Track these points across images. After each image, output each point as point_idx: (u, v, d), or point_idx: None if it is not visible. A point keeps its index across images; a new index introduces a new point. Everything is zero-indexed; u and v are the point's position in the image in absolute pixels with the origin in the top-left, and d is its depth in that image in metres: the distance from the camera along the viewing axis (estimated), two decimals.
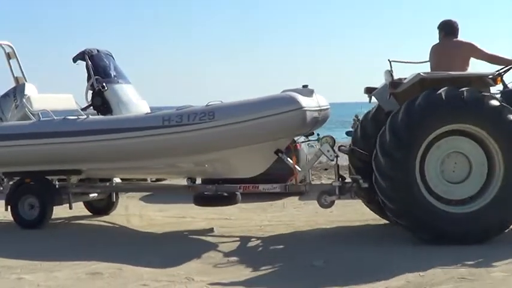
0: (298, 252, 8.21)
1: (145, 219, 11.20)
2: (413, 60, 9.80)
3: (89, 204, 11.63)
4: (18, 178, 10.97)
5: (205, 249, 8.64)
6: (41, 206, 10.27)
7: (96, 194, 11.36)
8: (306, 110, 9.08)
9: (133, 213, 11.59)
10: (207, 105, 9.57)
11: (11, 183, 11.02)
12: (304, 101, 9.13)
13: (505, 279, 6.57)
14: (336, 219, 10.07)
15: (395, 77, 8.86)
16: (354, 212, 10.50)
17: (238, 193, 10.04)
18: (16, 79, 11.86)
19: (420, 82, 8.44)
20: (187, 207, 11.15)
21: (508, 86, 9.06)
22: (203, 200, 10.09)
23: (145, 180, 12.58)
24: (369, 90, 9.19)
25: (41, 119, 10.74)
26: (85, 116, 10.42)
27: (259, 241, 9.17)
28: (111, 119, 10.35)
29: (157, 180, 13.18)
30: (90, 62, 10.76)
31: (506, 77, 9.07)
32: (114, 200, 11.60)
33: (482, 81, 8.69)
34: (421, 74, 8.41)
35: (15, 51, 11.88)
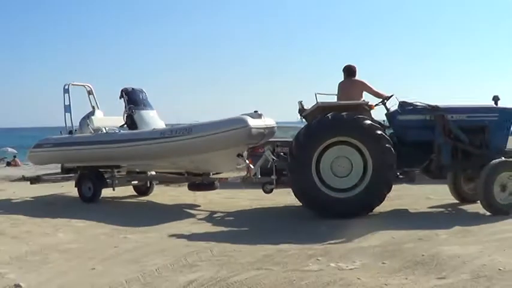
0: (311, 221, 10.87)
1: (207, 198, 14.25)
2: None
3: (135, 188, 16.07)
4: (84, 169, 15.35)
5: (247, 220, 11.42)
6: (93, 188, 14.64)
7: (136, 182, 15.75)
8: (252, 127, 12.43)
9: (199, 194, 14.77)
10: (189, 124, 13.33)
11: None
12: (251, 121, 12.50)
13: (448, 239, 9.00)
14: None
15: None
16: None
17: (216, 182, 13.85)
18: (93, 107, 16.42)
19: (319, 109, 11.70)
20: (236, 191, 14.45)
21: (390, 109, 12.24)
22: (194, 186, 14.11)
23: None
24: (301, 112, 12.31)
25: (96, 133, 15.10)
26: (117, 131, 14.82)
27: (284, 215, 11.96)
28: (131, 133, 14.48)
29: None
30: (126, 96, 15.10)
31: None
32: (149, 185, 15.94)
33: (362, 108, 11.78)
34: (319, 103, 11.70)
35: (93, 90, 16.49)
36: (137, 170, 15.54)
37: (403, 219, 11.03)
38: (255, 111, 12.93)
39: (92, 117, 15.83)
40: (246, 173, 13.16)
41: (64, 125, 15.93)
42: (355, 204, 11.19)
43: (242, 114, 12.83)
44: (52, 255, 8.60)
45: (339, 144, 11.44)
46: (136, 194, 16.02)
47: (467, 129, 11.85)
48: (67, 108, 16.01)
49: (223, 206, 13.27)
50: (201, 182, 14.01)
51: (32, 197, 15.90)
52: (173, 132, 13.44)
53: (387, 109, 12.36)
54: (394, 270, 7.27)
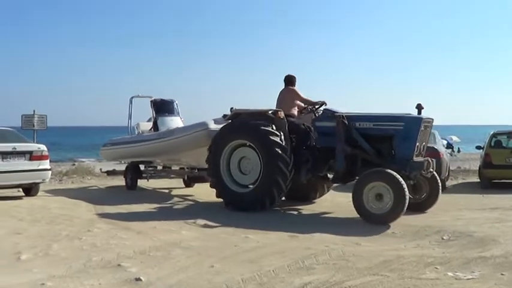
0: (433, 228, 10.64)
1: (333, 203, 14.70)
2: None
3: (184, 182, 19.37)
4: (128, 163, 18.98)
5: (367, 225, 11.34)
6: (131, 179, 18.35)
7: (172, 175, 19.25)
8: (212, 130, 14.63)
9: (325, 198, 15.43)
10: (175, 128, 16.75)
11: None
12: (213, 125, 14.87)
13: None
14: None
15: None
16: None
17: (206, 175, 15.35)
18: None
19: (235, 114, 13.67)
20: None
21: (317, 114, 13.53)
22: (191, 178, 18.34)
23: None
24: (225, 117, 14.20)
25: (133, 135, 19.00)
26: (142, 133, 18.59)
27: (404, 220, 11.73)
28: (144, 135, 18.07)
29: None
30: (153, 105, 18.51)
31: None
32: (189, 180, 18.98)
33: (268, 115, 13.22)
34: (235, 109, 13.72)
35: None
36: (172, 165, 18.81)
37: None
38: (224, 115, 14.56)
39: (141, 122, 19.46)
40: None
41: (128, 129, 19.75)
42: (249, 199, 12.99)
43: (212, 119, 15.20)
44: (174, 252, 8.92)
45: (246, 146, 13.38)
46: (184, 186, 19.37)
47: (374, 137, 12.32)
48: (130, 116, 19.69)
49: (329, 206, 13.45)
50: (197, 175, 17.19)
51: (160, 193, 17.42)
52: (165, 134, 16.48)
53: (315, 115, 13.47)
54: None
